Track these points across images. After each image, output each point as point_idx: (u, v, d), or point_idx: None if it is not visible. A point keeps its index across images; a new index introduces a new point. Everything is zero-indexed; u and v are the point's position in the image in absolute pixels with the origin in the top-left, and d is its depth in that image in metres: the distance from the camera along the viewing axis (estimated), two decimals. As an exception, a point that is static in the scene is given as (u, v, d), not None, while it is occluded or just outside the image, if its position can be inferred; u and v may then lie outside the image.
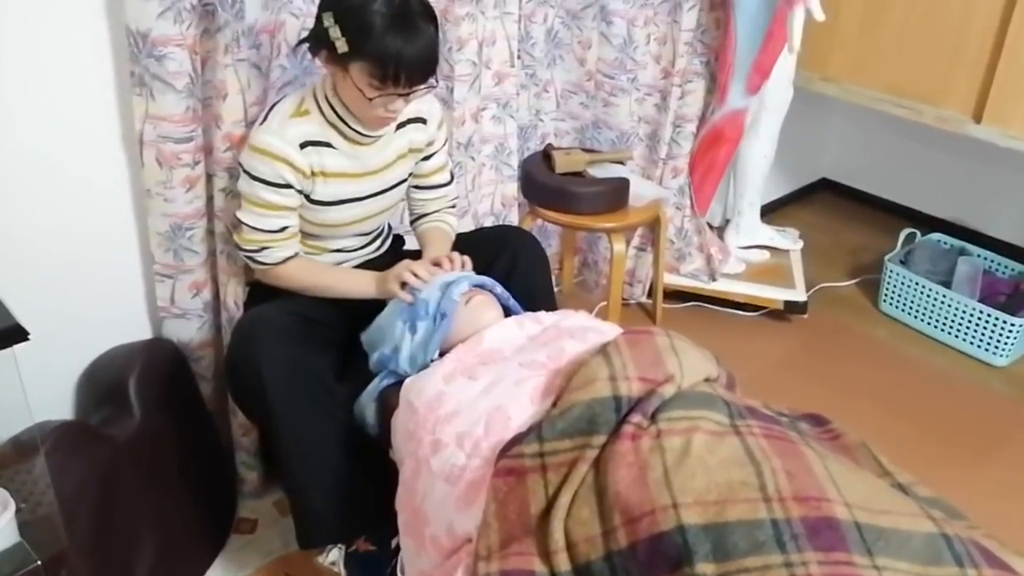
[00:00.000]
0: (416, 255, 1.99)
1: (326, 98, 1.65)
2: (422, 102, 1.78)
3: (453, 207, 1.98)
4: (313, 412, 1.62)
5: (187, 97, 1.64)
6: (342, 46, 1.51)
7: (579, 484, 1.24)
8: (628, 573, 1.15)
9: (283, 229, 1.67)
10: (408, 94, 1.58)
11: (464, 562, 1.29)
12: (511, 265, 1.85)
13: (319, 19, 1.54)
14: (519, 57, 2.37)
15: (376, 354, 1.70)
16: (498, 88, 2.30)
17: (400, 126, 1.76)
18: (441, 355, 1.62)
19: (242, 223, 1.66)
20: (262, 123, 1.64)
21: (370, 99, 1.55)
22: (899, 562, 1.08)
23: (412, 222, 1.99)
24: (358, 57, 1.51)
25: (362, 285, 1.75)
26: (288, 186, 1.63)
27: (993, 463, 2.29)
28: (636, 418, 1.27)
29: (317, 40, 1.56)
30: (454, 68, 2.12)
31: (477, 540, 1.27)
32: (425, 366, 1.61)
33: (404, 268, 1.68)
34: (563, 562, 1.20)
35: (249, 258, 1.70)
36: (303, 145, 1.63)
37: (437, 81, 1.63)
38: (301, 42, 1.63)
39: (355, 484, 1.67)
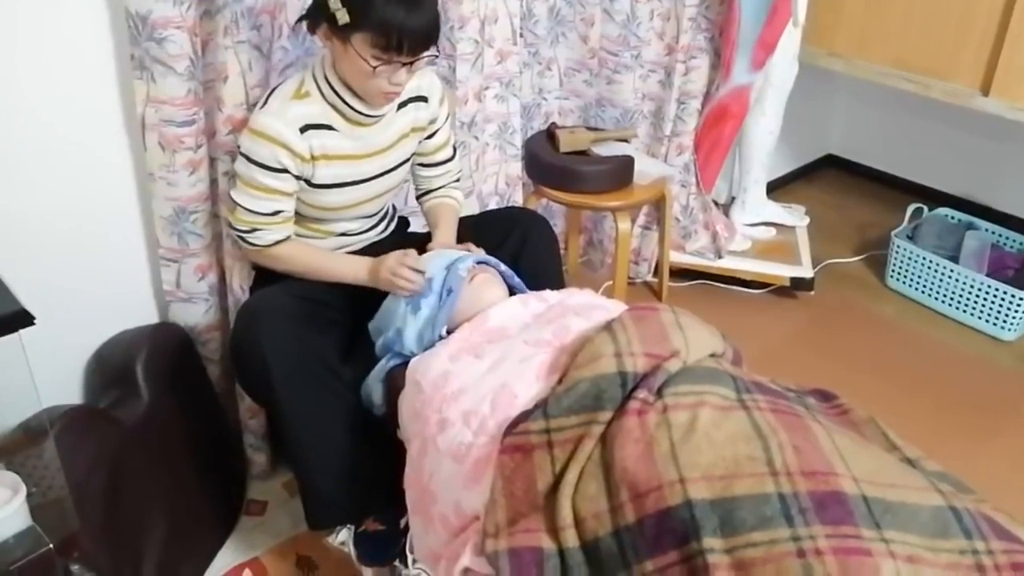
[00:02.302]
0: (421, 237, 1.99)
1: (325, 78, 1.64)
2: (421, 78, 1.78)
3: (458, 181, 1.98)
4: (319, 393, 1.62)
5: (188, 80, 1.63)
6: (343, 17, 1.50)
7: (586, 460, 1.24)
8: (636, 548, 1.15)
9: (276, 213, 1.66)
10: (411, 63, 1.57)
11: (472, 539, 1.30)
12: (520, 246, 1.85)
13: None
14: (521, 35, 2.35)
15: (381, 339, 1.71)
16: (500, 67, 2.29)
17: (401, 105, 1.75)
18: (447, 333, 1.62)
19: (236, 204, 1.65)
20: (262, 106, 1.64)
21: (373, 69, 1.54)
22: (907, 535, 1.08)
23: (418, 198, 1.99)
24: (360, 27, 1.50)
25: (354, 271, 1.73)
26: (285, 171, 1.62)
27: (1001, 437, 2.29)
28: (642, 394, 1.27)
29: (316, 14, 1.56)
30: (456, 47, 2.11)
31: (484, 517, 1.28)
32: (432, 343, 1.61)
33: (393, 274, 1.65)
34: (571, 538, 1.20)
35: (240, 238, 1.69)
36: (304, 128, 1.62)
37: (439, 51, 1.62)
38: (300, 19, 1.62)
39: (362, 464, 1.67)
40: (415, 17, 1.50)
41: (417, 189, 1.98)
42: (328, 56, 1.63)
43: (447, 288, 1.63)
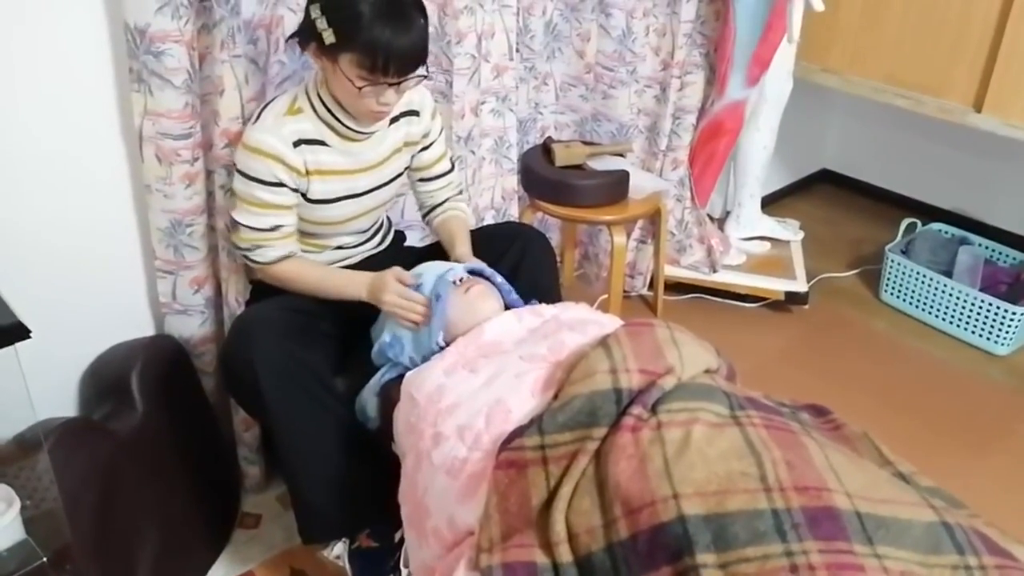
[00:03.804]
0: (419, 251, 1.99)
1: (318, 95, 1.64)
2: (413, 93, 1.77)
3: (461, 193, 1.97)
4: (310, 409, 1.62)
5: (185, 93, 1.64)
6: (329, 37, 1.50)
7: (580, 476, 1.24)
8: (629, 564, 1.15)
9: (277, 228, 1.66)
10: (398, 84, 1.57)
11: (466, 554, 1.29)
12: (519, 261, 1.85)
13: (307, 11, 1.54)
14: (518, 50, 2.37)
15: (377, 344, 1.71)
16: (497, 81, 2.30)
17: (393, 120, 1.76)
18: (445, 344, 1.62)
19: (237, 223, 1.65)
20: (255, 122, 1.64)
21: (360, 89, 1.54)
22: (900, 551, 1.08)
23: (425, 216, 1.97)
24: (346, 48, 1.50)
25: (355, 289, 1.71)
26: (282, 184, 1.62)
27: (994, 453, 2.30)
28: (636, 410, 1.27)
29: (305, 33, 1.56)
30: (453, 62, 2.12)
31: (479, 532, 1.28)
32: (430, 351, 1.61)
33: (396, 306, 1.64)
34: (564, 553, 1.20)
35: (245, 257, 1.70)
36: (297, 143, 1.63)
37: (428, 71, 1.62)
38: (291, 37, 1.63)
39: (355, 479, 1.67)
40: (401, 39, 1.49)
41: (422, 207, 1.97)
42: (321, 73, 1.63)
43: (435, 294, 1.63)
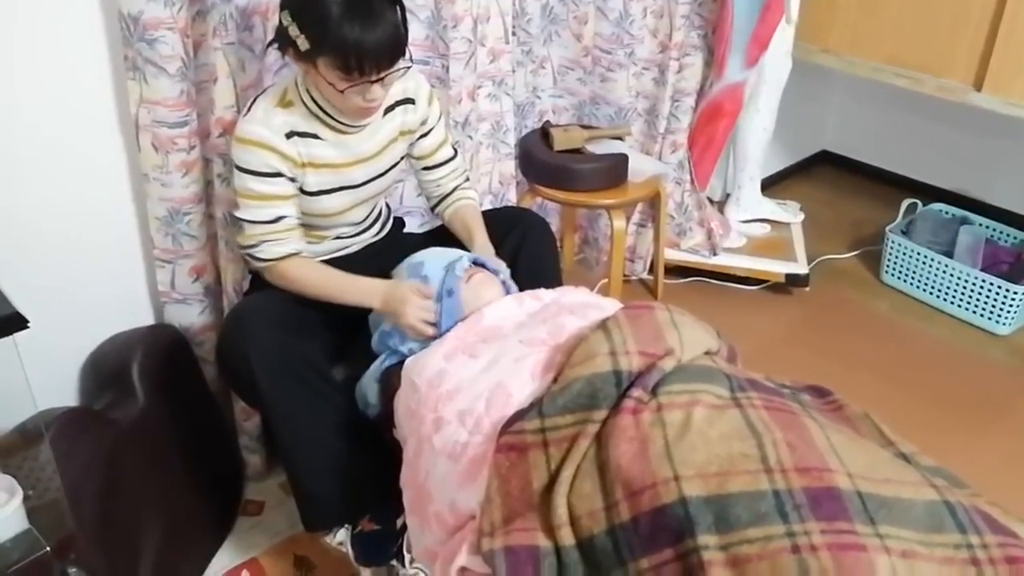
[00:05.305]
0: (418, 237, 1.98)
1: (307, 91, 1.62)
2: (407, 81, 1.74)
3: (467, 180, 1.95)
4: (308, 398, 1.61)
5: (181, 81, 1.63)
6: (303, 43, 1.48)
7: (581, 459, 1.24)
8: (631, 546, 1.15)
9: (278, 219, 1.63)
10: (380, 80, 1.54)
11: (468, 538, 1.30)
12: (519, 246, 1.84)
13: (279, 18, 1.52)
14: (514, 33, 2.35)
15: (377, 333, 1.71)
16: (493, 65, 2.29)
17: (388, 110, 1.73)
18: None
19: (240, 220, 1.63)
20: (246, 113, 1.62)
21: (342, 91, 1.52)
22: (902, 530, 1.08)
23: (434, 207, 1.94)
24: (320, 52, 1.48)
25: (367, 297, 1.67)
26: (278, 174, 1.60)
27: (995, 432, 2.30)
28: (637, 392, 1.27)
29: (281, 40, 1.54)
30: (449, 46, 2.10)
31: (480, 516, 1.28)
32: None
33: (417, 320, 1.61)
34: (566, 536, 1.20)
35: (249, 255, 1.67)
36: (289, 135, 1.61)
37: (411, 60, 1.60)
38: (269, 44, 1.61)
39: (355, 466, 1.67)
40: (371, 35, 1.46)
41: (430, 198, 1.94)
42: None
43: (446, 289, 1.63)
